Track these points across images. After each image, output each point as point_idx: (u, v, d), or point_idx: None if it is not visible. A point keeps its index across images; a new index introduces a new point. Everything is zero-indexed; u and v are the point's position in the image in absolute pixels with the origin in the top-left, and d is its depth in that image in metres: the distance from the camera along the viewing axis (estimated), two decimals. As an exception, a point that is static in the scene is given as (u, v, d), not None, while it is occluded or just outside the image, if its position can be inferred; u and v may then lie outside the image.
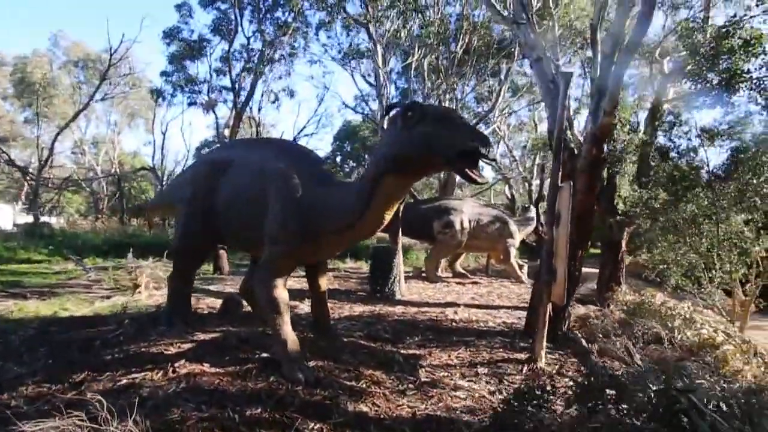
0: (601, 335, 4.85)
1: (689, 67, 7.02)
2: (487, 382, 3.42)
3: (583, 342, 4.73)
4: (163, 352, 3.38)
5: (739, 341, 3.83)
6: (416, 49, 8.76)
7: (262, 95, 10.37)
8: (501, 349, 4.41)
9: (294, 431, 2.35)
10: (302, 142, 17.93)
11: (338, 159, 30.76)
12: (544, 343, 3.97)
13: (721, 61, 5.70)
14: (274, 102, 13.12)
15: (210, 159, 4.17)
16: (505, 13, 6.80)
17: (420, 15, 8.42)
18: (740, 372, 3.38)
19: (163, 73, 10.80)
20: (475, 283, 9.94)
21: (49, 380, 2.95)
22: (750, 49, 5.60)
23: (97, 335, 3.97)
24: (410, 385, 3.17)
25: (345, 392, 2.88)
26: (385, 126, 3.06)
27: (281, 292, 3.23)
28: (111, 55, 12.75)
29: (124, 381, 2.83)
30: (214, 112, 10.10)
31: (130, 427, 1.99)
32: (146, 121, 23.34)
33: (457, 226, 9.58)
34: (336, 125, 27.72)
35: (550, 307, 4.03)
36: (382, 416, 2.65)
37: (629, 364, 4.12)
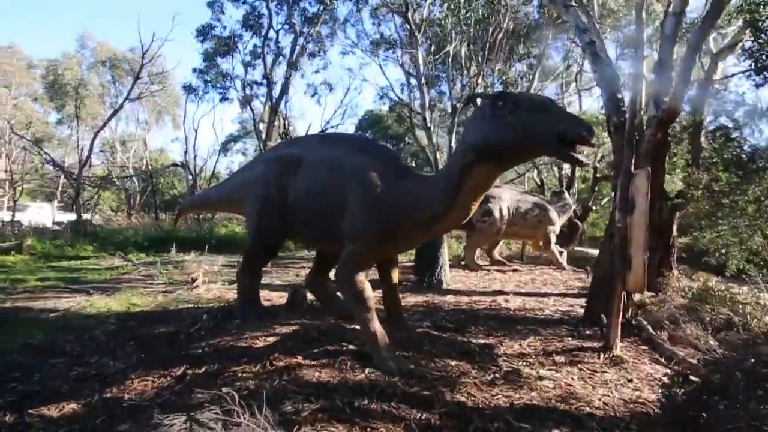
0: (667, 322, 4.80)
1: (744, 44, 6.77)
2: (568, 372, 3.43)
3: (650, 329, 4.69)
4: (251, 345, 3.49)
5: None
6: (454, 36, 8.66)
7: (287, 89, 10.34)
8: (569, 338, 4.40)
9: (401, 420, 2.42)
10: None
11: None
12: (619, 331, 3.95)
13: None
14: (313, 95, 13.19)
15: (279, 156, 4.21)
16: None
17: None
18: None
19: (198, 71, 10.94)
20: (516, 270, 9.90)
21: (150, 374, 3.07)
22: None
23: (178, 329, 4.12)
24: (496, 375, 3.20)
25: (439, 382, 2.93)
26: (468, 116, 3.06)
27: (366, 287, 3.29)
28: (143, 54, 12.90)
29: (227, 374, 2.93)
30: (251, 107, 10.18)
31: (263, 420, 2.07)
32: (174, 118, 23.81)
33: (497, 214, 9.52)
34: (360, 115, 27.66)
35: (624, 295, 4.00)
36: (480, 406, 2.70)
37: (704, 351, 4.09)
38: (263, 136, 9.88)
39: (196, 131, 20.66)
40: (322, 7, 11.03)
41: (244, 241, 14.38)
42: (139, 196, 21.36)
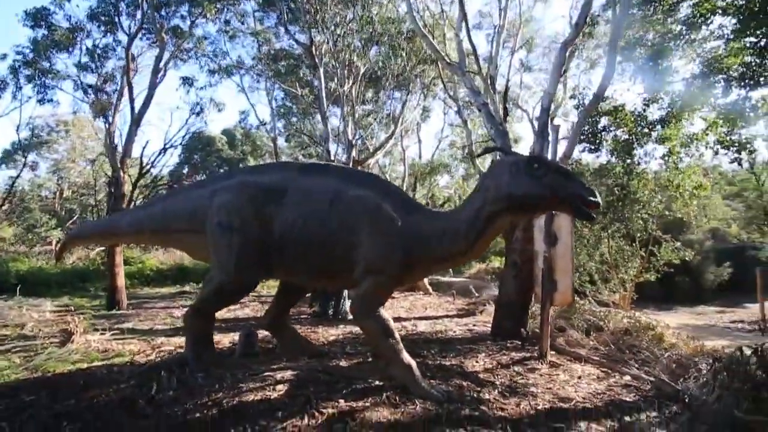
0: (557, 330, 6.08)
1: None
2: (535, 379, 4.07)
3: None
4: (267, 397, 3.04)
5: (663, 324, 5.43)
6: (345, 77, 9.12)
7: (150, 100, 8.95)
8: (504, 351, 5.13)
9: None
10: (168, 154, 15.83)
11: (185, 170, 28.02)
12: (548, 342, 4.88)
13: (599, 121, 7.81)
14: (198, 114, 11.48)
15: (253, 183, 3.77)
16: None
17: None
18: (674, 345, 4.86)
19: (25, 61, 8.37)
20: (393, 297, 10.61)
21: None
22: (615, 113, 7.84)
23: (125, 395, 3.24)
24: (500, 390, 3.61)
25: (475, 402, 3.19)
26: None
27: (389, 320, 3.32)
28: None
29: (279, 431, 2.56)
30: (105, 117, 8.25)
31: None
32: None
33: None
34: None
35: (550, 311, 4.98)
36: (521, 416, 3.07)
37: (589, 349, 5.38)
38: (119, 151, 8.23)
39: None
40: (190, 21, 10.16)
41: (54, 279, 11.44)
42: None
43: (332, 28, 8.26)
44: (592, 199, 3.07)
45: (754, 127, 9.07)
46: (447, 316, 8.17)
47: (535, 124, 12.68)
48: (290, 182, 3.76)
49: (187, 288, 12.03)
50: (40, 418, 2.91)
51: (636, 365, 4.56)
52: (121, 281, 8.10)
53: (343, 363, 4.09)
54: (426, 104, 17.18)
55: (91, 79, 9.76)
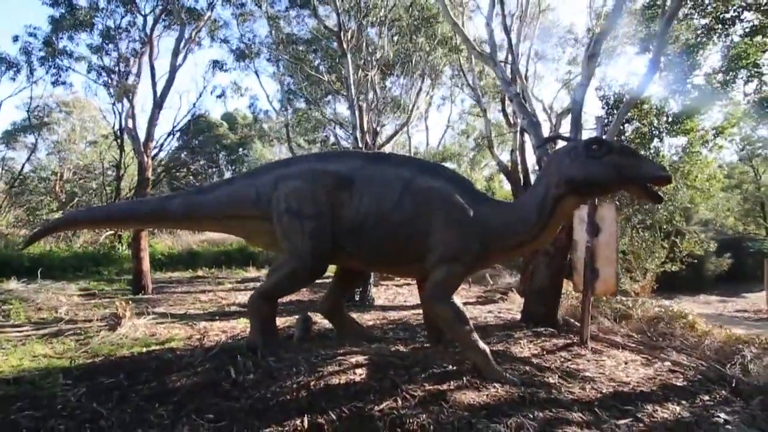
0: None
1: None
2: (584, 364, 4.23)
3: (578, 325, 6.03)
4: (352, 380, 3.14)
5: (694, 313, 5.64)
6: (371, 64, 9.07)
7: (172, 82, 8.84)
8: (542, 338, 5.28)
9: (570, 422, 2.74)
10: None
11: (183, 154, 27.65)
12: (589, 330, 5.04)
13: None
14: (219, 97, 11.31)
15: (324, 171, 3.80)
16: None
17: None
18: (708, 332, 5.06)
19: (45, 42, 8.14)
20: (407, 284, 10.76)
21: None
22: (640, 105, 7.95)
23: (204, 380, 3.31)
24: (560, 374, 3.75)
25: (545, 386, 3.32)
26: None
27: (462, 307, 3.42)
28: None
29: (381, 411, 2.66)
30: (129, 99, 8.09)
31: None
32: None
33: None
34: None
35: (591, 299, 5.13)
36: (586, 399, 3.21)
37: (623, 336, 5.57)
38: (141, 135, 8.14)
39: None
40: (207, 3, 9.98)
41: (69, 263, 11.35)
42: None
43: (364, 12, 8.19)
44: (662, 174, 3.10)
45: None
46: (468, 303, 8.34)
47: (552, 115, 12.79)
48: (359, 170, 3.79)
49: (200, 272, 12.04)
50: (131, 400, 2.97)
51: (674, 351, 4.75)
52: (146, 265, 8.09)
53: (401, 348, 4.20)
54: (443, 93, 17.08)
55: (107, 60, 9.61)
